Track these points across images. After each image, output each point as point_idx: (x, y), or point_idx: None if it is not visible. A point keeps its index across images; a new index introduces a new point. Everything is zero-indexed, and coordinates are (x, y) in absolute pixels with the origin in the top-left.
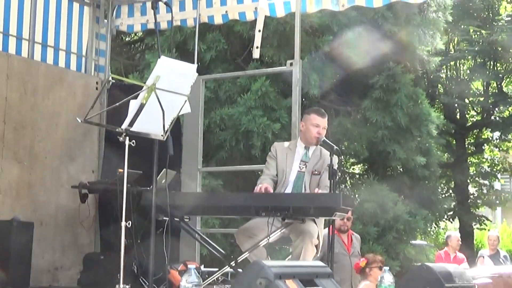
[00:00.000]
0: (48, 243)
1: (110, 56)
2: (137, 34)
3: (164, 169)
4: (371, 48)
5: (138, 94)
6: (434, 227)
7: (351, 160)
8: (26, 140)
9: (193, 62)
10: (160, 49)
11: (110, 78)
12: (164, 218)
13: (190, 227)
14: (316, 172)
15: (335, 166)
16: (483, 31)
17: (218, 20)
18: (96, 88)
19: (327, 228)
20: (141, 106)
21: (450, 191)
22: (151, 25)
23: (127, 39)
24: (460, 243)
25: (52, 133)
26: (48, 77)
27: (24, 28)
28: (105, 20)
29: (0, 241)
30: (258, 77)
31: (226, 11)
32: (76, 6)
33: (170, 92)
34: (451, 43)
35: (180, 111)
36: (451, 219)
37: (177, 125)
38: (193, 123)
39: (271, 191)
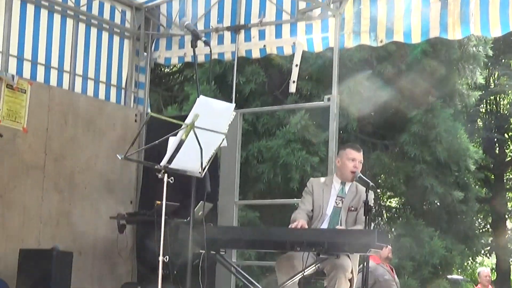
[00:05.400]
0: (87, 272)
1: (149, 87)
2: (177, 65)
3: (201, 202)
4: (410, 82)
5: (177, 132)
6: (471, 262)
7: (388, 194)
8: (66, 170)
9: (231, 95)
10: (199, 81)
11: (149, 114)
12: (201, 251)
13: (225, 260)
14: (352, 209)
15: (371, 202)
16: None
17: (255, 54)
18: (135, 120)
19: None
20: (180, 144)
21: (488, 226)
22: (188, 58)
23: (166, 70)
24: (489, 278)
25: (92, 164)
26: (88, 109)
27: (66, 60)
28: (145, 53)
29: (40, 270)
30: (297, 110)
31: (264, 46)
32: (116, 39)
33: (208, 130)
34: (491, 77)
35: (218, 148)
36: (488, 254)
37: (215, 158)
38: (230, 156)
39: (306, 227)
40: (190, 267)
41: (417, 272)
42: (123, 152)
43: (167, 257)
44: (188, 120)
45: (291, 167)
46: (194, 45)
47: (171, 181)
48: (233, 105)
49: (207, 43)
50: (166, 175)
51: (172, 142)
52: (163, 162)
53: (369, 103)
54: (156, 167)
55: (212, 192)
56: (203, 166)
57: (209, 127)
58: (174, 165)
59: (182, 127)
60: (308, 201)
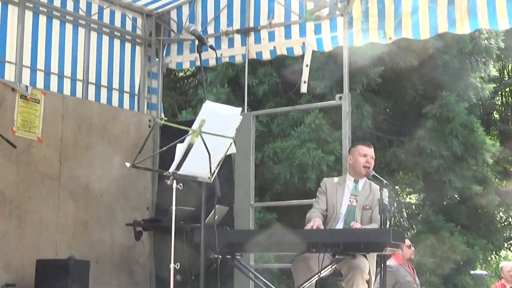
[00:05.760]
0: (104, 280)
1: (163, 92)
2: (191, 69)
3: (217, 205)
4: (422, 77)
5: (185, 138)
6: (495, 257)
7: (408, 190)
8: (81, 179)
9: (244, 97)
10: (212, 84)
11: (156, 121)
12: (215, 256)
13: (242, 264)
14: (367, 207)
15: (385, 201)
16: None
17: (266, 56)
18: (149, 126)
19: (392, 259)
20: (188, 150)
21: (510, 219)
22: (199, 62)
23: (180, 74)
24: None
25: (107, 171)
26: (102, 116)
27: (78, 69)
28: (156, 59)
29: (57, 279)
30: (311, 109)
31: (274, 47)
32: (128, 46)
33: (215, 135)
34: (505, 70)
35: (226, 153)
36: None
37: (229, 162)
38: (244, 159)
39: (322, 227)
40: (203, 272)
41: (439, 268)
42: (137, 158)
43: (178, 264)
44: (194, 126)
45: (307, 167)
46: (200, 50)
47: (180, 188)
48: (239, 109)
49: (212, 48)
50: (175, 181)
51: (180, 148)
52: (172, 168)
53: (383, 100)
54: (164, 173)
55: (227, 195)
56: (212, 171)
57: (216, 132)
58: (182, 171)
59: (189, 133)
60: (323, 200)
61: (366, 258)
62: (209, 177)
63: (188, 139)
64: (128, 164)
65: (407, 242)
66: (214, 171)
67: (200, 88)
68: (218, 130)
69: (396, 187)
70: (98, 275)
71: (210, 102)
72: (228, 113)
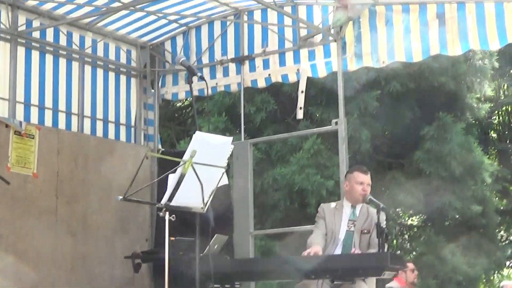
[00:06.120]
0: None
1: (161, 123)
2: (187, 99)
3: (217, 235)
4: (419, 99)
5: (176, 169)
6: (498, 276)
7: (409, 212)
8: (79, 213)
9: (240, 126)
10: (210, 113)
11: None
12: (215, 285)
13: None
14: (365, 231)
15: (383, 224)
16: None
17: (261, 84)
18: (146, 158)
19: (395, 282)
20: (180, 180)
21: (511, 237)
22: (195, 92)
23: (178, 104)
24: None
25: (105, 204)
26: (98, 149)
27: (73, 103)
28: (152, 90)
29: None
30: (309, 135)
31: (269, 74)
32: (123, 78)
33: (207, 165)
34: (500, 89)
35: (218, 183)
36: None
37: (227, 191)
38: (243, 187)
39: (320, 253)
40: None
41: None
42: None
43: None
44: (185, 157)
45: (307, 192)
46: (190, 81)
47: (172, 219)
48: (230, 138)
49: (202, 78)
50: (167, 213)
51: (172, 179)
52: (164, 200)
53: (381, 123)
54: (157, 205)
55: (227, 224)
56: (205, 201)
57: (207, 162)
58: (175, 202)
59: (180, 163)
60: (322, 224)
61: (365, 282)
62: (202, 207)
63: (179, 170)
64: (119, 198)
65: (411, 265)
66: (207, 201)
67: (198, 117)
68: (209, 160)
69: (398, 209)
70: None
71: (201, 132)
72: (219, 142)
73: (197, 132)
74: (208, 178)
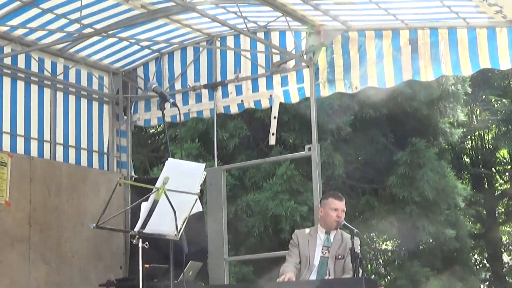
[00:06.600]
0: None
1: (134, 149)
2: (160, 125)
3: (191, 261)
4: (392, 124)
5: (149, 196)
6: None
7: (383, 236)
8: (52, 241)
9: (213, 152)
10: (183, 139)
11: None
12: None
13: None
14: (340, 257)
15: (357, 249)
16: (504, 100)
17: (234, 110)
18: (119, 184)
19: None
20: (153, 208)
21: (485, 261)
22: (168, 119)
23: (152, 131)
24: None
25: (78, 232)
26: (71, 177)
27: (45, 130)
28: (125, 117)
29: None
30: (282, 161)
31: (242, 100)
32: (95, 105)
33: (180, 192)
34: (473, 114)
35: (191, 210)
36: None
37: (202, 217)
38: (217, 213)
39: (294, 279)
40: None
41: None
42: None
43: None
44: (158, 184)
45: (281, 218)
46: (162, 107)
47: (146, 247)
48: (203, 165)
49: (175, 105)
50: (140, 240)
51: (145, 206)
52: (137, 227)
53: (354, 149)
54: (130, 233)
55: (200, 250)
56: (179, 228)
57: (180, 189)
58: (148, 229)
59: (153, 190)
60: (295, 253)
61: None
62: (175, 234)
63: (152, 197)
64: (92, 225)
65: None
66: (181, 228)
67: (171, 144)
68: (182, 186)
69: (372, 234)
70: None
71: (174, 159)
72: (192, 169)
73: (170, 159)
74: (181, 205)
